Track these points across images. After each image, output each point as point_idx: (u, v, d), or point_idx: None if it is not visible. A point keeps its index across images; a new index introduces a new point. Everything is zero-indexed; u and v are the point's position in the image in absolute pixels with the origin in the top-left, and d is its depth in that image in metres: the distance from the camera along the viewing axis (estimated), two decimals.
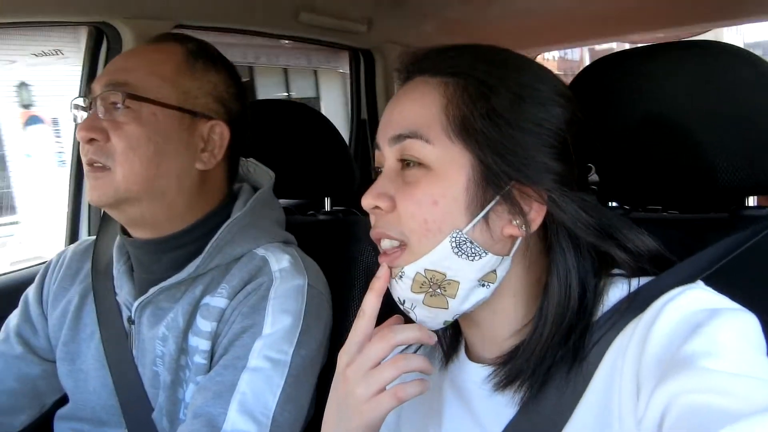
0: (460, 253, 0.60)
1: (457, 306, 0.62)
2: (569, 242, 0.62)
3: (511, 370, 0.62)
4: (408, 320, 0.66)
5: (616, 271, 0.63)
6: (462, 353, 0.71)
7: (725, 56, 0.80)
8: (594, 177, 0.73)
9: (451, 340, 0.73)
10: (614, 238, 0.62)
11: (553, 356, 0.60)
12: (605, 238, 0.61)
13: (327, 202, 1.36)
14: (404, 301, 0.64)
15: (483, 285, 0.61)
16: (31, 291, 1.08)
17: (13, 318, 1.07)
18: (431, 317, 0.64)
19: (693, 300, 0.56)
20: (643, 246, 0.62)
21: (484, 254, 0.60)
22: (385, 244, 0.64)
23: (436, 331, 0.72)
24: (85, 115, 0.92)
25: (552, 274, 0.62)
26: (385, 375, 0.61)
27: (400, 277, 0.62)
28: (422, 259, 0.61)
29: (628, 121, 0.82)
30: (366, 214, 0.67)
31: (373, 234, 0.65)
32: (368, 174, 2.11)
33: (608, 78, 0.86)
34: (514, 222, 0.61)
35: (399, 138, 0.62)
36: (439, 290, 0.61)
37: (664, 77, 0.80)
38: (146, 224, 0.93)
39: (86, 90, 0.93)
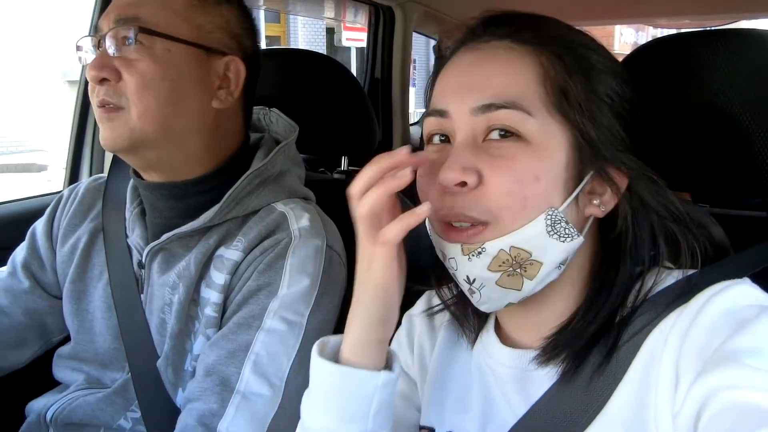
0: (552, 233, 0.56)
1: (531, 288, 0.58)
2: (632, 228, 0.60)
3: (554, 349, 0.60)
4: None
5: (666, 263, 0.61)
6: (491, 336, 0.68)
7: None
8: None
9: (479, 321, 0.70)
10: (688, 224, 0.60)
11: (596, 340, 0.58)
12: (680, 223, 0.60)
13: (344, 161, 1.32)
14: (474, 279, 0.59)
15: (559, 267, 0.59)
16: (39, 224, 1.05)
17: (20, 252, 1.04)
18: (497, 298, 0.59)
19: (740, 295, 0.54)
20: (716, 237, 0.61)
21: (576, 236, 0.57)
22: (458, 223, 0.58)
23: (465, 312, 0.69)
24: (91, 56, 0.88)
25: (607, 260, 0.60)
26: (370, 197, 0.56)
27: (479, 253, 0.57)
28: (510, 235, 0.56)
29: (675, 106, 0.79)
30: None
31: (445, 216, 0.58)
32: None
33: (659, 62, 0.83)
34: (595, 201, 0.59)
35: (490, 107, 0.57)
36: (519, 270, 0.57)
37: (720, 64, 0.77)
38: (163, 168, 0.90)
39: (93, 29, 0.88)
